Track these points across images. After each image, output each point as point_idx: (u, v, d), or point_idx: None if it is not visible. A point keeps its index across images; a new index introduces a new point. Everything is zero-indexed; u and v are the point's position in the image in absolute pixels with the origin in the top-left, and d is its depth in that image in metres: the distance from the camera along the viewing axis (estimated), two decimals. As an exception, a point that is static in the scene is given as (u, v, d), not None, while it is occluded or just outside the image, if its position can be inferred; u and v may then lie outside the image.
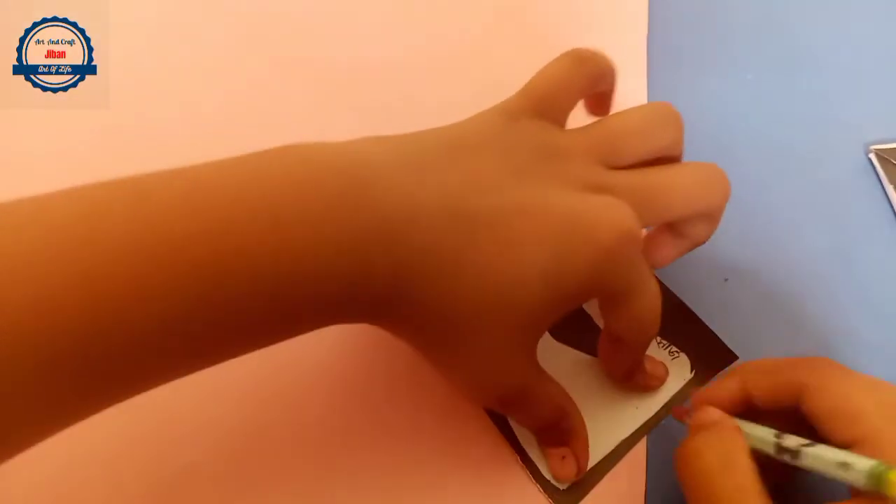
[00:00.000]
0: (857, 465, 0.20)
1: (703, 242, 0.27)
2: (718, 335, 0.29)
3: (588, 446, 0.26)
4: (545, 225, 0.22)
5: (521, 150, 0.23)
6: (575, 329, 0.29)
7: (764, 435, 0.22)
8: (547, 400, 0.25)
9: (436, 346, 0.23)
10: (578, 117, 0.27)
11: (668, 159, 0.26)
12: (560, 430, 0.25)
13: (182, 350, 0.19)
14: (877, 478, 0.19)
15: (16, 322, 0.16)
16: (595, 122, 0.26)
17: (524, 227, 0.21)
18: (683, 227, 0.27)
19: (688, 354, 0.29)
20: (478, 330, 0.22)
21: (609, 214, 0.22)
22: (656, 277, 0.24)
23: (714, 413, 0.24)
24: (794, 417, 0.23)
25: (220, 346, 0.19)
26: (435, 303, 0.21)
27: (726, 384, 0.25)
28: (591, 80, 0.26)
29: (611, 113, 0.28)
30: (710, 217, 0.26)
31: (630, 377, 0.27)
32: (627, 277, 0.23)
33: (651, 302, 0.23)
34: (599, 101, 0.28)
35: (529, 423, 0.26)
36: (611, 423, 0.27)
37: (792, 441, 0.22)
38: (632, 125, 0.25)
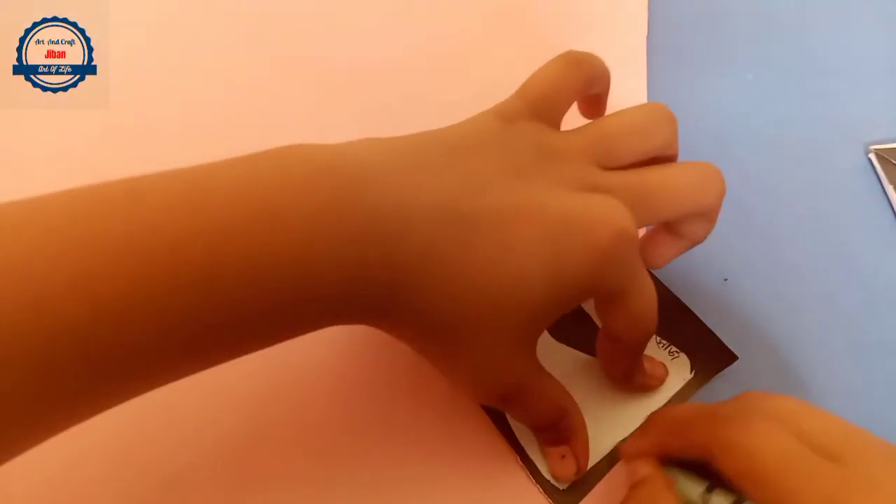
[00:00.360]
0: None
1: (701, 241, 0.27)
2: (718, 335, 0.29)
3: (588, 445, 0.26)
4: (542, 225, 0.22)
5: (517, 151, 0.23)
6: (575, 329, 0.29)
7: (692, 493, 0.22)
8: (547, 398, 0.25)
9: (436, 346, 0.23)
10: (573, 120, 0.27)
11: (663, 159, 0.26)
12: (560, 429, 0.25)
13: (182, 351, 0.19)
14: None
15: (16, 322, 0.16)
16: (590, 124, 0.26)
17: (522, 227, 0.21)
18: (680, 227, 0.27)
19: (688, 354, 0.29)
20: (478, 330, 0.22)
21: (605, 214, 0.22)
22: (655, 277, 0.24)
23: (644, 468, 0.23)
24: None
25: (220, 346, 0.19)
26: (434, 303, 0.21)
27: (642, 442, 0.24)
28: (585, 82, 0.26)
29: (606, 114, 0.28)
30: (707, 215, 0.26)
31: (629, 377, 0.27)
32: (623, 277, 0.23)
33: (647, 301, 0.23)
34: (594, 103, 0.28)
35: (530, 421, 0.26)
36: (611, 423, 0.27)
37: (719, 500, 0.21)
38: (626, 126, 0.25)
